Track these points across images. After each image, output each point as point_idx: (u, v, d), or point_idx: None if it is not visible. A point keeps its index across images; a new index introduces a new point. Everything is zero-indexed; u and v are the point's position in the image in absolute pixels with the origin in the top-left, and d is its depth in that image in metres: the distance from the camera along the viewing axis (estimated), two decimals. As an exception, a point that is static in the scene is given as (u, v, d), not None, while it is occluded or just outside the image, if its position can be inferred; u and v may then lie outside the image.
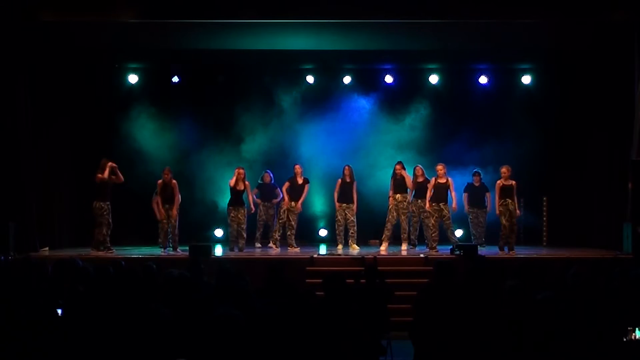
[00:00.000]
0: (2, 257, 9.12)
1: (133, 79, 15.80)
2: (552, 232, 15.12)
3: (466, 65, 15.94)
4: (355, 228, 13.66)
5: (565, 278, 6.71)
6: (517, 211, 13.22)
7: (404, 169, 13.44)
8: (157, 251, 12.95)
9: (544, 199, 15.26)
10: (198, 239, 13.68)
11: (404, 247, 13.51)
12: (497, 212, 13.07)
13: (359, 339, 5.30)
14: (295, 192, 13.74)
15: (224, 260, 12.09)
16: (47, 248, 13.07)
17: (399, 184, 13.46)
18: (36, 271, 7.26)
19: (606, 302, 5.54)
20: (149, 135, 15.42)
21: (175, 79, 15.80)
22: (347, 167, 13.76)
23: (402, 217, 13.40)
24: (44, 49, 13.33)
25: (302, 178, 13.82)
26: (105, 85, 15.57)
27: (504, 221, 12.90)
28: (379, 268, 8.79)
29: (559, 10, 12.34)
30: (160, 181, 13.21)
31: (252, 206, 13.68)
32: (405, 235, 13.54)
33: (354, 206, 13.66)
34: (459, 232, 14.74)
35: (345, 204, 13.65)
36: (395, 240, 13.67)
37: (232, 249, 13.34)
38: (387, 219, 13.41)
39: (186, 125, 15.64)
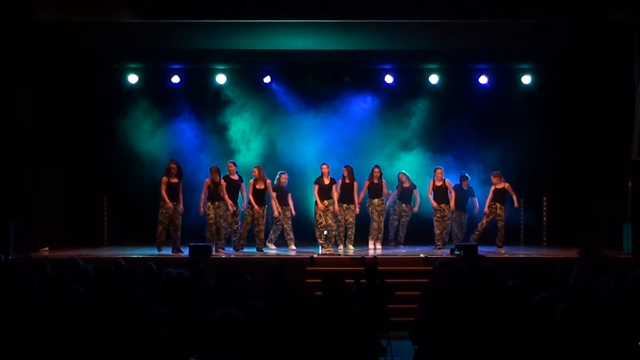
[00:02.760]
0: (2, 257, 9.12)
1: (133, 79, 15.78)
2: (552, 232, 15.11)
3: (466, 65, 15.91)
4: (354, 230, 13.70)
5: (567, 278, 6.72)
6: (516, 204, 13.70)
7: (382, 175, 13.86)
8: (156, 251, 12.85)
9: (544, 199, 15.24)
10: (198, 239, 13.64)
11: (372, 245, 13.84)
12: (485, 211, 13.56)
13: (358, 339, 5.30)
14: (324, 192, 13.47)
15: (223, 260, 12.09)
16: (47, 248, 13.06)
17: (376, 189, 13.85)
18: (36, 271, 7.27)
19: (605, 303, 5.53)
20: (149, 135, 15.39)
21: (176, 79, 15.78)
22: (345, 168, 13.72)
23: (380, 219, 13.89)
24: (43, 49, 13.32)
25: (330, 178, 13.57)
26: (105, 85, 15.56)
27: (483, 221, 13.53)
28: (379, 268, 8.80)
29: (559, 10, 12.33)
30: (209, 180, 13.10)
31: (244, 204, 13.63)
32: (376, 232, 13.88)
33: (355, 207, 13.66)
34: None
35: (345, 204, 13.62)
36: (385, 240, 14.15)
37: (259, 249, 13.38)
38: (373, 223, 13.87)
39: (185, 125, 15.60)
